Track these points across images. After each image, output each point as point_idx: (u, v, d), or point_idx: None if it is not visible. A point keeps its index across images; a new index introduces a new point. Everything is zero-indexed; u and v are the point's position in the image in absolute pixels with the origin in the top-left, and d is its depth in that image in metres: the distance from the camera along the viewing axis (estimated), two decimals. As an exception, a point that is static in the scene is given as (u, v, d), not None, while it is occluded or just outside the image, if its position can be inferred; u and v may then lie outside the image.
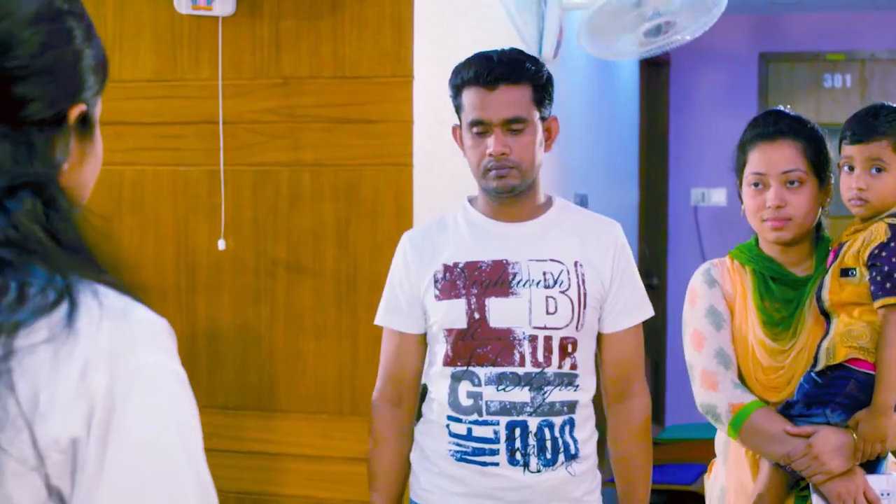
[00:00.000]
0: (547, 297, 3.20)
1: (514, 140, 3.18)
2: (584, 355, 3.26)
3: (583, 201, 6.52)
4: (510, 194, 3.24)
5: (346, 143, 4.25)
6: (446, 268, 3.27)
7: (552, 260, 3.25)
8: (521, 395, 3.19)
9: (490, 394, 3.19)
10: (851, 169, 3.21)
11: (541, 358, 3.20)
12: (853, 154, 3.20)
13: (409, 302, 3.32)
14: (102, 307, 1.36)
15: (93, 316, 1.35)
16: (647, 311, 3.36)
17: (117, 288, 1.41)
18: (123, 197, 4.50)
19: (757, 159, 3.29)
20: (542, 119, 3.25)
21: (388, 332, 3.40)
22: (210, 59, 4.38)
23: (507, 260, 3.24)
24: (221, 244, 4.34)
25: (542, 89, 3.23)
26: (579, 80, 6.67)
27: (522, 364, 3.19)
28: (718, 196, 9.12)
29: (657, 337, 8.66)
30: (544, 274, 3.22)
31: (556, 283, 3.22)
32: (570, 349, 3.22)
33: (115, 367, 1.33)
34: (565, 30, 5.70)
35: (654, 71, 9.05)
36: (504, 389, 3.19)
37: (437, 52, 4.36)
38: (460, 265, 3.26)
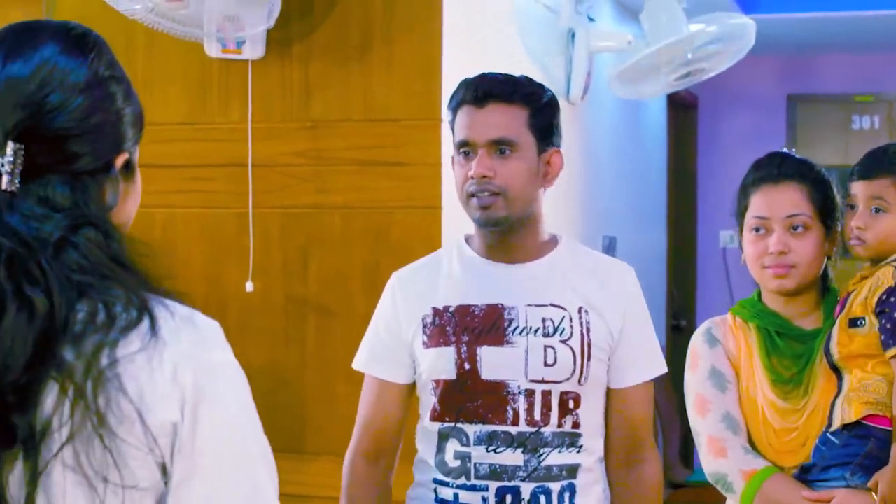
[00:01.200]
0: (545, 347, 2.88)
1: (500, 163, 2.86)
2: (590, 413, 2.93)
3: (611, 244, 6.51)
4: (497, 228, 2.90)
5: (376, 185, 4.26)
6: (436, 312, 2.95)
7: (553, 305, 2.91)
8: (514, 457, 2.85)
9: (479, 455, 2.87)
10: (852, 207, 3.07)
11: (537, 415, 2.86)
12: (857, 192, 3.07)
13: (395, 348, 3.01)
14: (174, 317, 1.65)
15: (170, 325, 1.63)
16: (660, 367, 3.05)
17: (173, 298, 1.69)
18: (154, 239, 4.48)
19: (759, 202, 3.11)
20: (542, 149, 2.93)
21: (368, 380, 3.10)
22: (240, 102, 4.40)
23: (502, 305, 2.91)
24: (249, 286, 4.35)
25: (540, 114, 2.92)
26: (607, 123, 6.67)
27: (516, 422, 2.86)
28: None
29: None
30: (543, 321, 2.89)
31: (556, 331, 2.89)
32: (571, 405, 2.89)
33: (197, 365, 1.64)
34: (593, 72, 5.70)
35: (682, 113, 9.05)
36: (495, 451, 2.86)
37: (465, 95, 4.37)
38: (451, 309, 2.93)
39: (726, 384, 3.10)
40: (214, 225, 4.46)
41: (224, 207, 4.44)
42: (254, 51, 4.28)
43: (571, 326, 2.90)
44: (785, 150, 3.29)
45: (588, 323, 2.92)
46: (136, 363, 1.59)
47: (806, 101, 9.35)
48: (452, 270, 3.00)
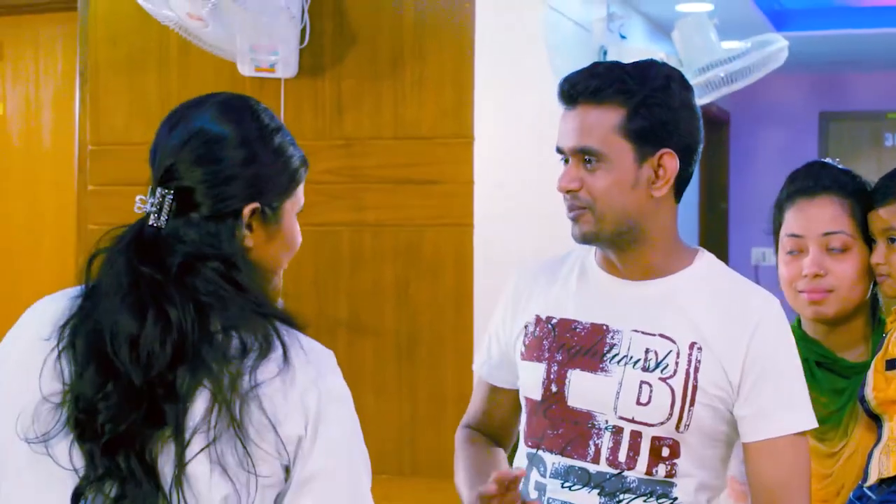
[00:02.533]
0: (642, 383, 2.47)
1: (587, 175, 2.47)
2: (694, 464, 2.48)
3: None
4: (592, 245, 2.57)
5: (407, 203, 4.27)
6: (538, 321, 2.61)
7: (662, 336, 2.49)
8: (589, 498, 2.49)
9: (554, 490, 2.53)
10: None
11: (622, 457, 2.47)
12: (873, 220, 2.71)
13: (503, 351, 2.70)
14: (301, 346, 2.04)
15: (300, 355, 2.01)
16: (802, 421, 2.48)
17: (293, 325, 2.08)
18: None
19: (793, 219, 2.76)
20: (645, 155, 2.47)
21: (477, 379, 2.83)
22: (272, 120, 4.41)
23: (607, 326, 2.53)
24: (281, 303, 4.35)
25: (639, 115, 2.46)
26: (639, 140, 6.64)
27: (596, 460, 2.49)
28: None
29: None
30: (647, 352, 2.48)
31: (657, 366, 2.47)
32: (665, 453, 2.46)
33: (319, 391, 2.00)
34: (625, 90, 5.69)
35: (714, 129, 9.04)
36: (570, 488, 2.51)
37: (497, 113, 4.38)
38: (553, 321, 2.58)
39: None
40: (246, 242, 4.47)
41: (256, 225, 4.45)
42: (286, 69, 4.29)
43: (677, 363, 2.47)
44: (826, 159, 2.92)
45: (698, 362, 2.47)
46: (274, 385, 1.95)
47: (838, 119, 9.32)
48: (570, 278, 2.64)
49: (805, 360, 2.61)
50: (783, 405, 2.46)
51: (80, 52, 4.69)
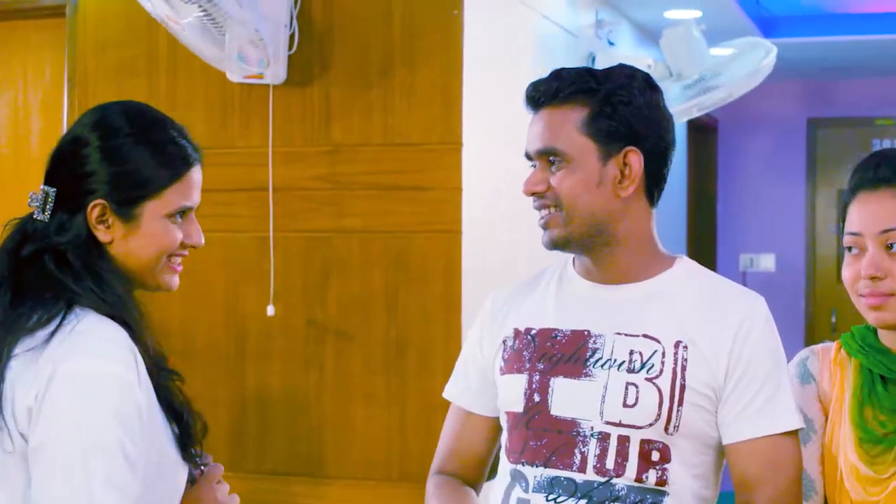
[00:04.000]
0: (627, 385, 2.39)
1: (553, 177, 2.44)
2: (686, 471, 2.40)
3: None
4: (564, 250, 2.50)
5: (396, 210, 4.27)
6: (517, 334, 2.53)
7: (646, 336, 2.42)
8: None
9: None
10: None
11: (609, 464, 2.37)
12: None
13: (482, 375, 2.60)
14: (78, 329, 2.09)
15: (64, 335, 2.08)
16: (786, 422, 2.40)
17: (108, 314, 2.13)
18: (174, 263, 4.53)
19: (853, 215, 2.45)
20: (609, 153, 2.43)
21: (453, 408, 2.69)
22: (261, 126, 4.41)
23: (588, 331, 2.45)
24: (270, 310, 4.36)
25: (603, 113, 2.42)
26: (627, 146, 6.65)
27: (583, 469, 2.38)
28: (767, 262, 9.09)
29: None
30: (631, 353, 2.41)
31: (643, 366, 2.39)
32: (655, 458, 2.37)
33: (57, 367, 2.05)
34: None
35: (703, 136, 9.05)
36: (555, 500, 2.39)
37: (485, 120, 4.39)
38: (533, 332, 2.51)
39: (810, 434, 2.50)
40: (235, 249, 4.47)
41: (245, 231, 4.45)
42: (275, 75, 4.30)
43: (663, 363, 2.39)
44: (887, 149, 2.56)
45: (685, 361, 2.39)
46: (22, 359, 2.08)
47: (826, 125, 9.34)
48: (548, 289, 2.57)
49: (868, 372, 2.46)
50: (764, 407, 2.39)
51: (68, 59, 4.69)
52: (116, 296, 2.17)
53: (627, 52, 6.19)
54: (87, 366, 2.06)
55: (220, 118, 4.48)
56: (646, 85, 2.48)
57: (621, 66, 2.52)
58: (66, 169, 2.21)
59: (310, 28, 4.34)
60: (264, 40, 4.15)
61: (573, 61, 5.44)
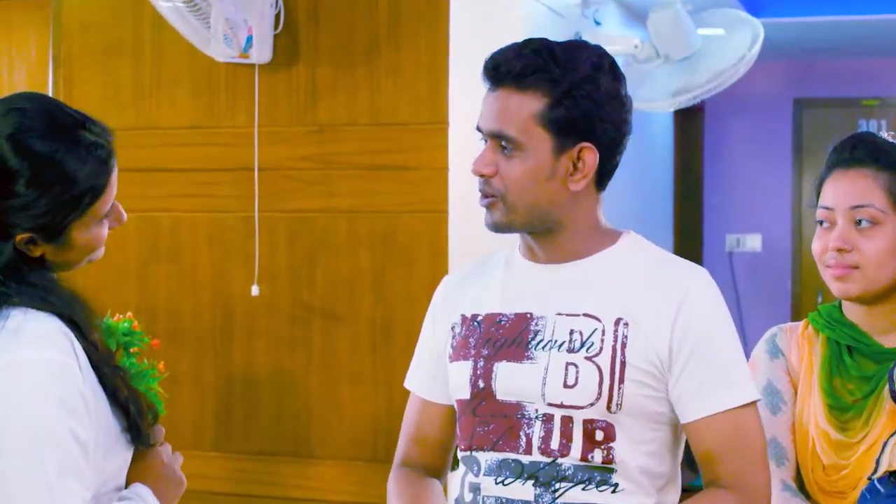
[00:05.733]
0: (567, 365, 2.35)
1: (503, 161, 2.38)
2: (634, 449, 2.36)
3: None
4: (506, 232, 2.45)
5: (382, 190, 4.26)
6: (464, 320, 2.50)
7: (586, 315, 2.38)
8: (523, 490, 2.36)
9: (488, 487, 2.40)
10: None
11: (554, 444, 2.35)
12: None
13: (436, 363, 2.58)
14: (10, 328, 2.07)
15: (1, 333, 2.06)
16: (743, 394, 2.36)
17: (43, 309, 2.09)
18: (160, 243, 4.52)
19: (826, 191, 2.60)
20: (563, 146, 2.36)
21: (412, 396, 2.69)
22: (246, 106, 4.40)
23: (531, 314, 2.42)
24: (255, 290, 4.35)
25: (562, 105, 2.35)
26: (613, 127, 6.65)
27: (528, 451, 2.36)
28: (753, 242, 9.10)
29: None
30: (571, 333, 2.37)
31: (582, 345, 2.35)
32: (599, 437, 2.34)
33: None
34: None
35: (689, 117, 9.05)
36: (503, 483, 2.38)
37: (472, 99, 4.36)
38: (479, 317, 2.47)
39: (780, 405, 2.62)
40: (220, 229, 4.46)
41: (230, 212, 4.44)
42: (261, 55, 4.28)
43: (602, 340, 2.35)
44: (871, 131, 2.73)
45: (625, 338, 2.35)
46: None
47: (812, 106, 9.34)
48: (495, 273, 2.53)
49: (835, 344, 2.59)
50: (718, 381, 2.34)
51: (53, 38, 4.67)
52: (61, 298, 2.14)
53: (614, 31, 6.18)
54: (23, 356, 2.05)
55: (205, 98, 4.47)
56: (610, 76, 2.40)
57: (588, 52, 2.41)
58: (5, 188, 2.11)
59: (295, 8, 4.33)
60: (249, 19, 4.14)
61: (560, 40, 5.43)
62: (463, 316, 2.51)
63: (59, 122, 2.15)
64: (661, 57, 5.55)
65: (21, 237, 2.13)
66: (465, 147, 4.28)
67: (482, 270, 2.57)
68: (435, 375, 2.58)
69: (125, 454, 2.21)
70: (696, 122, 9.28)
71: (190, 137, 4.49)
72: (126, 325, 3.71)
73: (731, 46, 5.41)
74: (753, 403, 2.38)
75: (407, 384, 2.68)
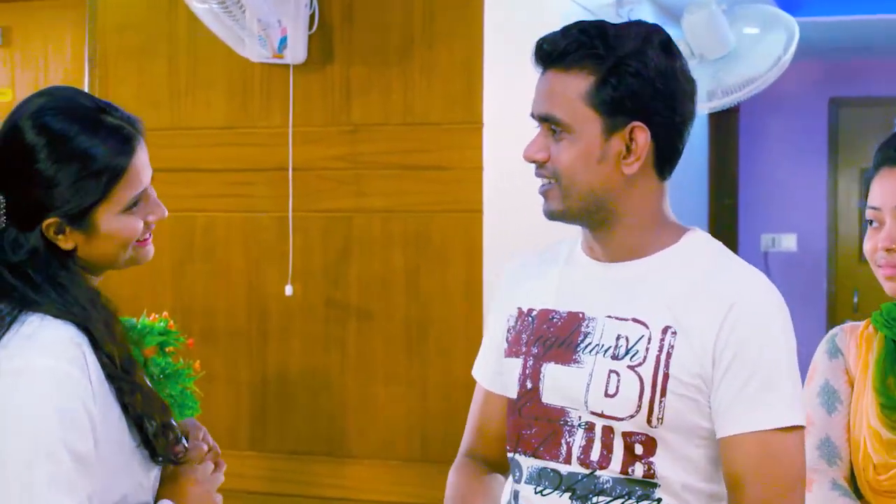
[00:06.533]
0: (610, 372, 2.22)
1: (555, 146, 2.27)
2: (676, 465, 2.22)
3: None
4: (563, 221, 2.32)
5: (416, 189, 4.26)
6: (520, 313, 2.39)
7: (635, 320, 2.24)
8: (560, 503, 2.26)
9: (527, 496, 2.30)
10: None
11: (594, 455, 2.22)
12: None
13: (497, 352, 2.45)
14: (23, 333, 2.06)
15: (11, 338, 2.06)
16: (781, 416, 2.17)
17: (60, 316, 2.09)
18: (195, 242, 4.54)
19: (874, 189, 2.55)
20: (614, 127, 2.23)
21: (476, 389, 2.55)
22: (281, 106, 4.41)
23: (583, 314, 2.29)
24: (289, 290, 4.36)
25: (609, 83, 2.22)
26: (648, 126, 6.63)
27: (568, 460, 2.25)
28: (789, 241, 9.06)
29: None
30: (618, 338, 2.24)
31: (627, 353, 2.22)
32: (638, 451, 2.21)
33: (2, 366, 2.03)
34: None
35: (724, 116, 9.01)
36: (542, 493, 2.28)
37: (506, 99, 4.37)
38: (534, 312, 2.36)
39: (836, 404, 2.56)
40: (255, 229, 4.47)
41: (264, 211, 4.45)
42: (295, 55, 4.29)
43: (647, 349, 2.21)
44: None
45: (671, 347, 2.20)
46: None
47: (848, 105, 9.29)
48: (555, 265, 2.40)
49: (892, 343, 2.53)
50: (755, 398, 2.16)
51: (88, 39, 4.69)
52: (80, 305, 2.13)
53: (648, 31, 6.15)
54: (31, 363, 2.05)
55: (240, 99, 4.48)
56: (661, 51, 2.26)
57: (637, 26, 2.30)
58: (14, 181, 2.13)
59: (329, 8, 4.33)
60: (283, 21, 4.15)
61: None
62: (519, 309, 2.40)
63: (79, 104, 2.16)
64: (696, 56, 5.54)
65: (48, 223, 2.13)
66: (499, 147, 4.27)
67: (542, 261, 2.45)
68: (495, 366, 2.45)
69: (145, 470, 2.18)
70: (732, 121, 9.25)
71: (224, 137, 4.50)
72: (162, 324, 3.72)
73: (766, 44, 5.38)
74: (794, 429, 2.18)
75: (473, 372, 2.55)
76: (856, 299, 8.77)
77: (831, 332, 2.64)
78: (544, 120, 2.26)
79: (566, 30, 2.28)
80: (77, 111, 2.15)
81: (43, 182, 2.11)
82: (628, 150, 2.23)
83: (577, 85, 2.22)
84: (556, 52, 2.26)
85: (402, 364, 4.29)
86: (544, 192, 2.28)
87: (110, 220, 2.17)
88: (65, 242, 2.15)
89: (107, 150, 2.13)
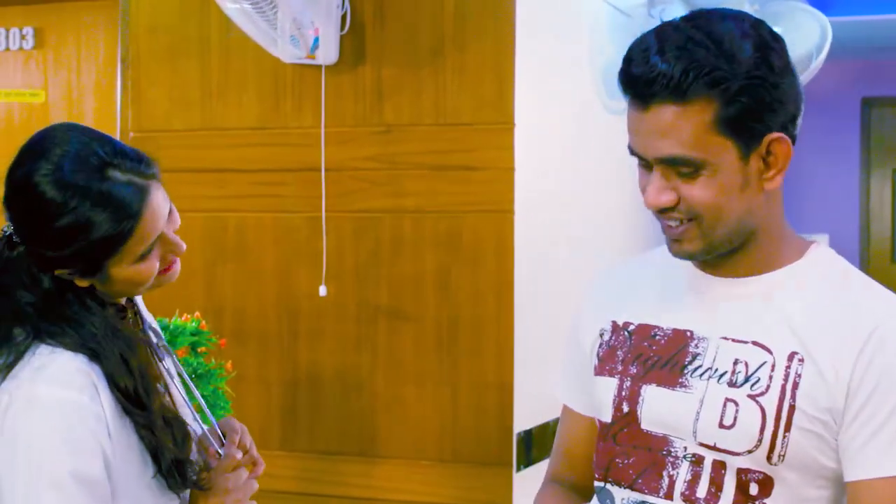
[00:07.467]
0: (726, 401, 2.00)
1: (684, 186, 2.00)
2: None
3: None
4: (698, 259, 2.11)
5: (448, 190, 4.26)
6: (614, 327, 2.19)
7: (755, 344, 2.02)
8: None
9: None
10: None
11: (701, 492, 2.01)
12: None
13: (579, 367, 2.26)
14: (34, 364, 2.08)
15: (23, 366, 2.08)
16: None
17: (72, 349, 2.10)
18: (227, 243, 4.54)
19: None
20: (750, 147, 1.99)
21: (561, 408, 2.38)
22: (313, 107, 4.41)
23: (691, 333, 2.08)
24: (322, 290, 4.36)
25: (737, 102, 1.94)
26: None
27: (670, 496, 2.04)
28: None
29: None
30: (735, 363, 2.02)
31: (747, 380, 1.99)
32: (753, 491, 1.99)
33: (12, 394, 2.05)
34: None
35: (755, 116, 9.00)
36: None
37: (538, 99, 4.37)
38: (631, 327, 2.16)
39: None
40: (287, 229, 4.47)
41: (297, 212, 4.45)
42: (327, 56, 4.29)
43: (771, 377, 1.98)
44: None
45: (797, 376, 1.97)
46: None
47: (881, 105, 9.26)
48: (654, 278, 2.20)
49: None
50: (894, 441, 1.93)
51: (121, 40, 4.70)
52: (95, 340, 2.14)
53: (680, 31, 6.13)
54: (39, 393, 2.06)
55: (272, 99, 4.48)
56: (777, 48, 2.01)
57: (736, 22, 2.01)
58: (30, 230, 2.16)
59: (361, 8, 4.33)
60: (316, 20, 4.15)
61: (625, 40, 5.40)
62: (614, 323, 2.20)
63: (88, 163, 2.14)
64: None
65: (59, 272, 2.16)
66: (531, 147, 4.27)
67: (637, 270, 2.27)
68: (576, 382, 2.28)
69: (168, 498, 2.20)
70: (763, 121, 9.23)
71: (256, 138, 4.51)
72: (194, 324, 3.73)
73: (799, 44, 5.36)
74: None
75: (555, 390, 2.39)
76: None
77: None
78: (668, 162, 2.00)
79: (661, 55, 1.97)
80: (84, 171, 2.13)
81: (51, 244, 2.13)
82: (766, 164, 2.03)
83: (702, 115, 1.95)
84: (668, 85, 1.95)
85: (433, 364, 4.29)
86: (679, 235, 2.06)
87: (123, 269, 2.20)
88: (80, 282, 2.19)
89: (112, 216, 2.13)
